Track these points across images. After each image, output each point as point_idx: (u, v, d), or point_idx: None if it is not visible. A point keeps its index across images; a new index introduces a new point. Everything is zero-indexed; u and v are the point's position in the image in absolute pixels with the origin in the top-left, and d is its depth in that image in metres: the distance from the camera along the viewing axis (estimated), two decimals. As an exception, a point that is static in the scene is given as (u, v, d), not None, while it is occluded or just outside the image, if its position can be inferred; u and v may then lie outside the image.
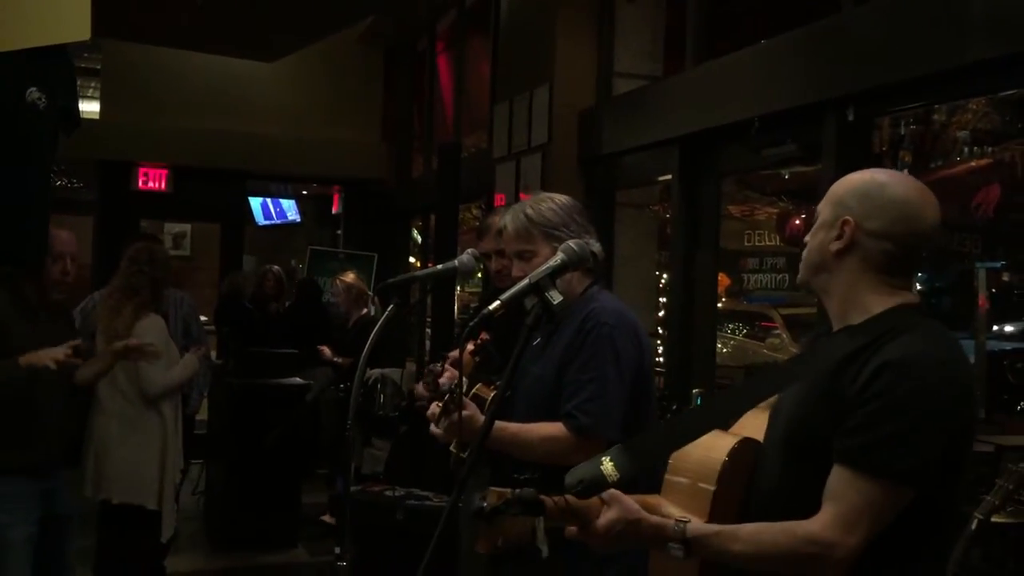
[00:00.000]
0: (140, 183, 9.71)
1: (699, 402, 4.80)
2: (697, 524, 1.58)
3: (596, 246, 2.42)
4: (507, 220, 2.45)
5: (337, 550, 3.05)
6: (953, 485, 1.54)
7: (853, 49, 3.81)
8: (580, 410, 2.27)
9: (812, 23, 4.18)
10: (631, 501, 1.60)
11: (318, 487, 6.73)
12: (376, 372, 6.95)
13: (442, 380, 3.25)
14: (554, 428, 2.28)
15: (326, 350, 6.48)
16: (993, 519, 2.59)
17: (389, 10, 8.64)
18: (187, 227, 12.51)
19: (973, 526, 2.51)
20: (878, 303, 1.62)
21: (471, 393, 2.29)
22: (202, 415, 6.35)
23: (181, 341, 5.16)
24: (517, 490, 1.59)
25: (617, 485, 1.55)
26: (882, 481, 1.47)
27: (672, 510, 1.65)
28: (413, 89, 9.73)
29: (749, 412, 1.69)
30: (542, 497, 1.59)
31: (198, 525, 6.29)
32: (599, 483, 1.53)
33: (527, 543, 1.63)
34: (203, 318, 6.35)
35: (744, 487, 1.68)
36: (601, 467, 1.54)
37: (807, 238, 1.75)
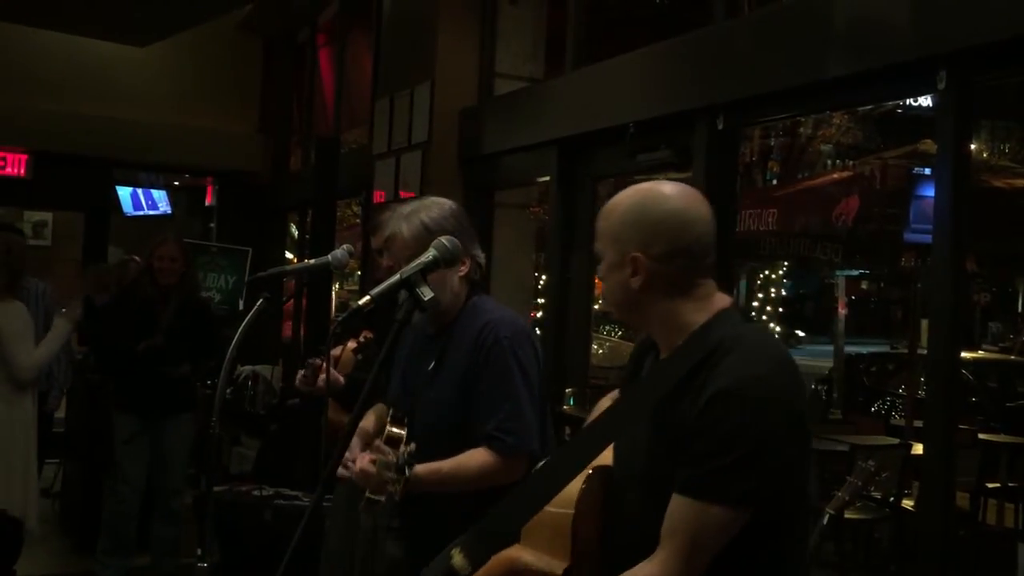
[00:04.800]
0: (-3, 168, 9.21)
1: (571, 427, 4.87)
2: None
3: (481, 256, 2.41)
4: (401, 227, 2.37)
5: (199, 552, 2.97)
6: (791, 497, 1.56)
7: (723, 60, 3.94)
8: (502, 430, 2.23)
9: (686, 33, 4.30)
10: None
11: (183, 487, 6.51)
12: (247, 369, 6.80)
13: (322, 375, 3.20)
14: (482, 457, 2.23)
15: None
16: (846, 515, 2.72)
17: (268, -1, 8.46)
18: (48, 216, 11.93)
19: (825, 521, 2.63)
20: (695, 318, 1.61)
21: (385, 436, 2.23)
22: (60, 412, 6.08)
23: (42, 335, 4.94)
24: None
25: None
26: (717, 507, 1.49)
27: (528, 558, 1.64)
28: (293, 81, 9.55)
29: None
30: None
31: (53, 527, 6.01)
32: None
33: None
34: (63, 310, 6.07)
35: (601, 514, 1.67)
36: (451, 561, 1.52)
37: (600, 277, 1.71)
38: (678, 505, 1.51)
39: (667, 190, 1.66)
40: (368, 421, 2.43)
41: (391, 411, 2.31)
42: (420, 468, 2.12)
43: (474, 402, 2.27)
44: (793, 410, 1.54)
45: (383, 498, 2.11)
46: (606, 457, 1.69)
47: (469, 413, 2.27)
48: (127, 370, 4.76)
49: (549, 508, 1.61)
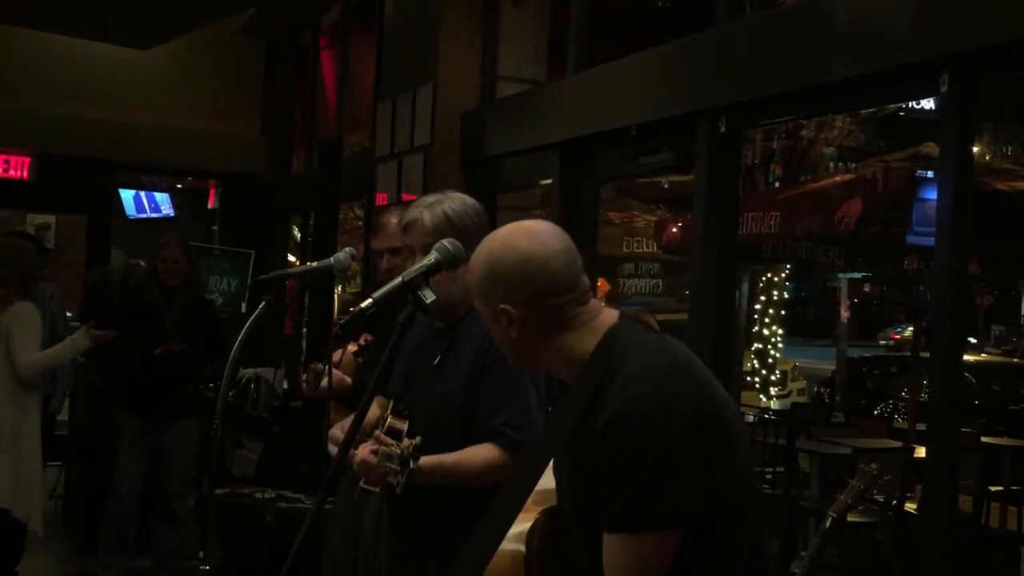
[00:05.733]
0: (0, 171, 9.21)
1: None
2: None
3: None
4: (423, 214, 2.35)
5: (200, 554, 2.98)
6: (725, 492, 1.52)
7: (725, 63, 3.94)
8: (510, 426, 2.22)
9: (688, 36, 4.30)
10: None
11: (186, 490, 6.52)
12: (249, 371, 6.80)
13: (324, 380, 3.20)
14: (488, 452, 2.22)
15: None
16: (848, 518, 2.72)
17: (270, 2, 8.45)
18: (51, 218, 11.94)
19: (827, 524, 2.63)
20: (584, 346, 1.59)
21: (385, 428, 2.22)
22: (63, 415, 6.08)
23: (48, 338, 4.96)
24: None
25: None
26: (647, 535, 1.46)
27: None
28: (295, 84, 9.56)
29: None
30: None
31: (55, 529, 6.01)
32: None
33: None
34: (68, 314, 6.09)
35: (552, 555, 1.64)
36: None
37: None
38: (610, 543, 1.49)
39: (515, 236, 1.65)
40: (371, 413, 2.43)
41: (392, 403, 2.31)
42: (423, 460, 2.12)
43: (480, 397, 2.26)
44: (692, 410, 1.50)
45: (378, 489, 2.11)
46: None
47: (472, 408, 2.27)
48: (136, 373, 4.78)
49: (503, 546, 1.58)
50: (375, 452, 2.09)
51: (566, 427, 1.55)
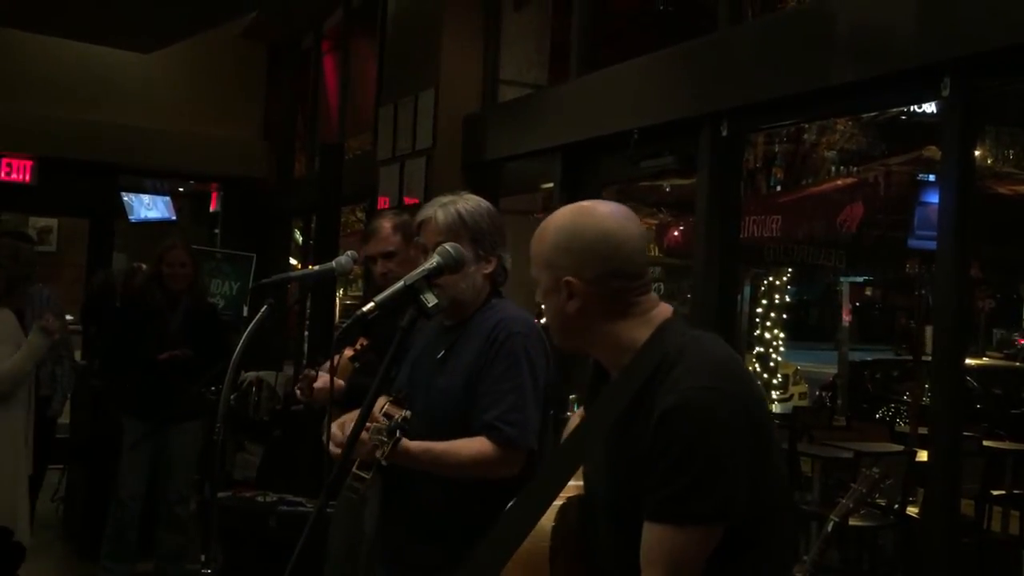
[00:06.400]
0: (2, 174, 9.21)
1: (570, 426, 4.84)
2: None
3: (507, 259, 2.41)
4: (437, 213, 2.34)
5: (203, 558, 2.98)
6: (764, 499, 1.54)
7: (728, 67, 3.94)
8: (503, 421, 2.21)
9: (691, 40, 4.30)
10: None
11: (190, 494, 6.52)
12: (251, 375, 6.80)
13: (317, 385, 3.20)
14: (478, 444, 2.21)
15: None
16: (850, 522, 2.71)
17: (272, 6, 8.46)
18: (53, 222, 11.95)
19: (829, 528, 2.62)
20: (638, 335, 1.59)
21: (383, 411, 2.22)
22: (64, 419, 6.07)
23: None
24: None
25: None
26: (690, 528, 1.47)
27: None
28: (297, 88, 9.57)
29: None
30: None
31: (56, 533, 6.01)
32: None
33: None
34: (69, 317, 6.08)
35: (577, 546, 1.65)
36: None
37: (539, 302, 1.69)
38: (651, 532, 1.49)
39: (597, 211, 1.64)
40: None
41: (393, 394, 2.31)
42: (413, 444, 2.11)
43: (478, 391, 2.26)
44: (745, 413, 1.52)
45: (370, 476, 2.10)
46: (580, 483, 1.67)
47: (472, 404, 2.27)
48: (140, 378, 4.78)
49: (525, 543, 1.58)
50: (367, 430, 2.09)
51: (612, 414, 1.55)
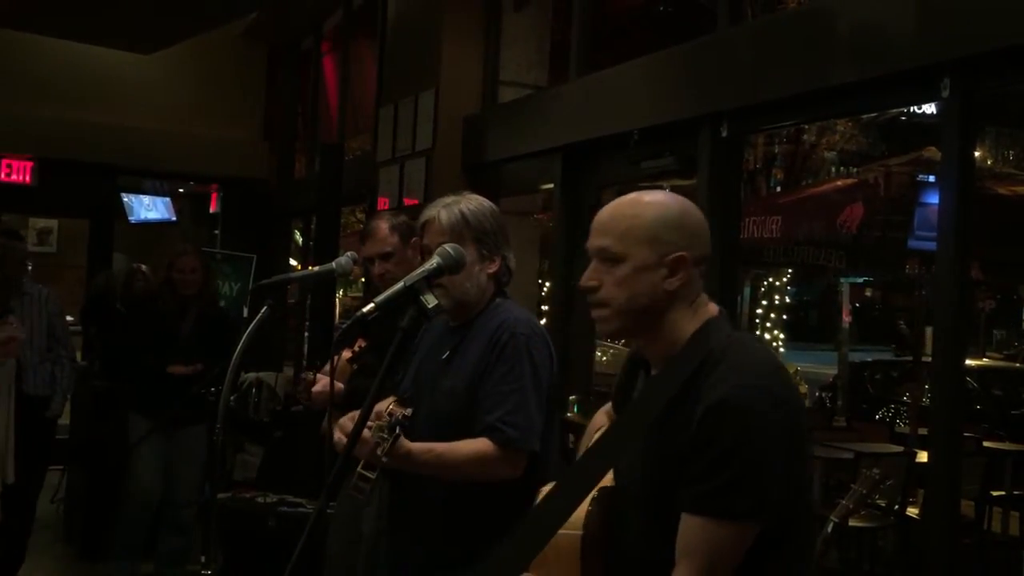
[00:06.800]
0: (2, 175, 9.22)
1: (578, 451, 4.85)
2: None
3: (512, 259, 2.41)
4: (440, 213, 2.34)
5: (203, 558, 2.98)
6: (796, 502, 1.55)
7: (727, 67, 3.94)
8: (505, 422, 2.21)
9: (690, 40, 4.30)
10: None
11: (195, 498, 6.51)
12: (251, 376, 6.80)
13: (316, 388, 3.20)
14: (480, 444, 2.20)
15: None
16: (850, 523, 2.71)
17: (272, 7, 8.46)
18: (53, 223, 11.94)
19: (829, 529, 2.62)
20: (688, 327, 1.61)
21: (387, 410, 2.21)
22: (64, 419, 6.07)
23: (44, 341, 4.95)
24: None
25: None
26: (729, 523, 1.49)
27: None
28: (297, 89, 9.57)
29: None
30: None
31: (56, 534, 6.01)
32: None
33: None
34: (69, 318, 6.08)
35: (607, 534, 1.66)
36: None
37: (606, 288, 1.63)
38: (690, 525, 1.51)
39: (687, 200, 1.67)
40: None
41: (398, 395, 2.31)
42: (415, 445, 2.11)
43: (481, 392, 2.25)
44: (788, 414, 1.53)
45: (374, 476, 2.10)
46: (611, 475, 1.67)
47: (475, 405, 2.26)
48: (147, 385, 4.79)
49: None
50: (370, 428, 2.09)
51: (655, 406, 1.56)
